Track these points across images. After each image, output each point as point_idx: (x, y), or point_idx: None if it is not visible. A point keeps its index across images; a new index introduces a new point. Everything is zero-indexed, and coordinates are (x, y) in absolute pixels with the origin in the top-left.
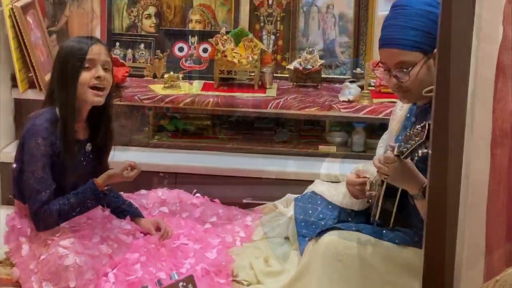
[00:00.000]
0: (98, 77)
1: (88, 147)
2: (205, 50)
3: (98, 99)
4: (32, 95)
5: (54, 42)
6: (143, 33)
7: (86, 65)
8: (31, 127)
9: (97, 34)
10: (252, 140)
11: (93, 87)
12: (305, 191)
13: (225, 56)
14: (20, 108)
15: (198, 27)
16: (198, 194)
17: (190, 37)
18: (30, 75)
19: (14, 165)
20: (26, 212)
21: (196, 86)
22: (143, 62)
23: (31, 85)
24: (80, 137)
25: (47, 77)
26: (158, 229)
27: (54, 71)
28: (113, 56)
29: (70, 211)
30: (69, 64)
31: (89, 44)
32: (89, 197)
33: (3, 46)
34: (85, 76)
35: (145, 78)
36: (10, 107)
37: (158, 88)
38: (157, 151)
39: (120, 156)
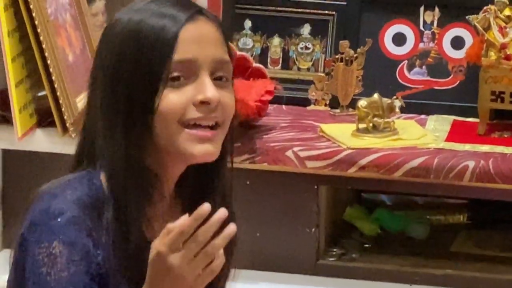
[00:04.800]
0: (203, 103)
1: None
2: (457, 43)
3: (205, 148)
4: (44, 142)
5: (99, 18)
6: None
7: (175, 73)
8: (43, 216)
9: (201, 1)
10: None
11: (192, 125)
12: None
13: (508, 58)
14: (15, 170)
15: None
16: None
17: (422, 11)
18: (40, 95)
19: None
20: None
21: (435, 130)
22: (307, 69)
23: (44, 119)
24: None
25: (82, 100)
26: None
27: (98, 87)
28: (238, 53)
29: None
30: (132, 72)
31: (182, 21)
32: None
33: None
34: (173, 101)
35: (312, 107)
36: None
37: (342, 134)
38: (337, 283)
39: None
